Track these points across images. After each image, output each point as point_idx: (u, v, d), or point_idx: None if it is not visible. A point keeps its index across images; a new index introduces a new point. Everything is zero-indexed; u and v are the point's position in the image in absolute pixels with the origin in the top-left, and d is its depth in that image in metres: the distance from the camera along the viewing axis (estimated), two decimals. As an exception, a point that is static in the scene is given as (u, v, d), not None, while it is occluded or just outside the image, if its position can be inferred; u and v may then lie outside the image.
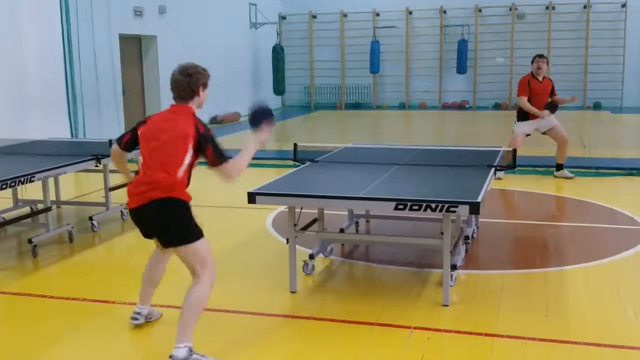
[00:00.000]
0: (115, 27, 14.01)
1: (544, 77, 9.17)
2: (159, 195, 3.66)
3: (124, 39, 14.53)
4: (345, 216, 6.48)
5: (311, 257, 5.41)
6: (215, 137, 3.78)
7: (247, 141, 3.95)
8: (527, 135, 9.25)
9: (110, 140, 6.72)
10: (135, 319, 4.29)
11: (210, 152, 3.73)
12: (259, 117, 4.00)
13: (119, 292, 5.04)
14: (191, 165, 3.77)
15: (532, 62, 9.19)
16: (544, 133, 9.26)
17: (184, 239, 3.71)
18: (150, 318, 4.37)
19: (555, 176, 9.26)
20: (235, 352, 3.96)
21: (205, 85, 3.89)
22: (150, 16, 15.20)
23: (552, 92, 9.21)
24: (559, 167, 9.29)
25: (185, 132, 3.71)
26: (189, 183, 3.79)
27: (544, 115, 8.98)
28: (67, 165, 6.27)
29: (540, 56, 9.23)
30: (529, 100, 9.03)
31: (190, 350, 3.67)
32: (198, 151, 3.75)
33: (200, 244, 3.74)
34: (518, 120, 9.23)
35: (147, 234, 3.88)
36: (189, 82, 3.82)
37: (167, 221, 3.71)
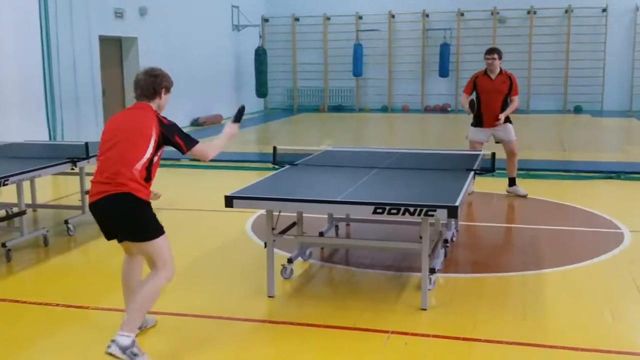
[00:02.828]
0: (95, 28, 13.90)
1: (499, 74, 8.26)
2: (113, 190, 3.66)
3: (104, 40, 14.42)
4: (324, 219, 6.45)
5: (290, 261, 5.36)
6: (178, 126, 3.91)
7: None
8: (483, 142, 8.29)
9: (87, 143, 6.66)
10: None
11: (178, 139, 3.84)
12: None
13: (94, 297, 4.97)
14: (151, 161, 3.76)
15: (484, 59, 8.28)
16: (498, 142, 8.41)
17: (141, 235, 3.75)
18: (145, 326, 4.20)
19: (508, 192, 8.46)
20: (211, 357, 3.90)
21: (167, 90, 3.95)
22: (131, 18, 15.10)
23: (511, 91, 8.22)
24: (512, 181, 8.48)
25: (146, 126, 3.76)
26: (149, 178, 3.78)
27: (469, 112, 8.29)
28: (43, 168, 6.19)
29: (490, 52, 8.24)
30: (479, 98, 8.28)
31: (134, 342, 3.58)
32: (165, 143, 3.83)
33: (159, 241, 3.77)
34: (472, 125, 8.48)
35: (106, 233, 3.88)
36: (153, 82, 3.87)
37: (122, 217, 3.72)
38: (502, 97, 8.26)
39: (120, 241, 3.94)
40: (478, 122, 8.41)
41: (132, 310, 3.70)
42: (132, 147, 3.72)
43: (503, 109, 8.24)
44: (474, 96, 8.48)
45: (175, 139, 3.83)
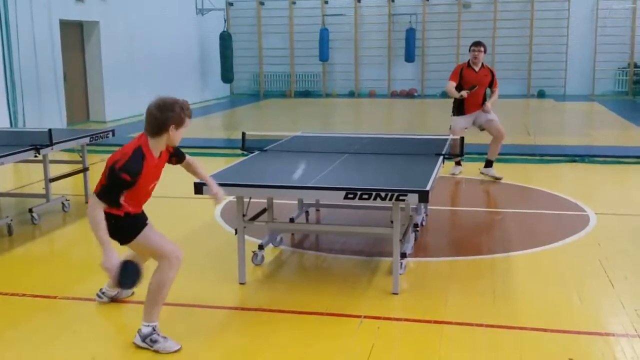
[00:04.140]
0: (55, 12, 13.58)
1: (481, 67, 8.57)
2: None
3: (65, 24, 14.10)
4: (295, 205, 6.43)
5: (260, 247, 5.34)
6: (120, 183, 3.63)
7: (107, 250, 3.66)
8: (465, 129, 8.50)
9: (50, 130, 6.51)
10: (100, 297, 4.52)
11: (102, 182, 3.69)
12: (129, 272, 3.75)
13: (62, 286, 4.87)
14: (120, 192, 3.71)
15: (469, 51, 8.57)
16: (482, 129, 8.71)
17: (122, 240, 3.89)
18: (119, 296, 4.50)
19: (481, 173, 8.64)
20: (182, 345, 3.86)
21: (178, 125, 3.75)
22: (92, 1, 14.78)
23: (492, 84, 8.61)
24: (488, 163, 8.65)
25: (112, 157, 3.72)
26: (120, 206, 3.73)
27: (464, 95, 8.37)
28: (5, 155, 6.02)
29: (477, 44, 8.51)
30: (461, 89, 8.42)
31: (154, 330, 3.82)
32: None
33: (139, 239, 3.85)
34: (453, 114, 8.64)
35: None
36: (157, 119, 3.71)
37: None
38: (484, 89, 8.65)
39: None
40: (460, 111, 8.63)
41: (145, 306, 3.88)
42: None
43: (484, 99, 8.66)
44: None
45: (102, 180, 3.70)
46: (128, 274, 3.72)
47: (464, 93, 8.44)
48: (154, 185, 3.94)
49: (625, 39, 20.45)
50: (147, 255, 4.09)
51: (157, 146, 3.79)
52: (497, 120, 8.63)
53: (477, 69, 8.56)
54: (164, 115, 3.70)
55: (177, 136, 3.81)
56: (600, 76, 20.74)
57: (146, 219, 3.98)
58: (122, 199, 3.73)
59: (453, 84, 8.56)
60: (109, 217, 3.70)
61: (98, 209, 3.64)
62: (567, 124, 15.36)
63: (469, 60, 8.62)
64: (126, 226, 3.83)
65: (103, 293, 4.51)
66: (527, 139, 11.77)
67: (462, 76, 8.57)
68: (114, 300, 4.51)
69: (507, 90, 20.90)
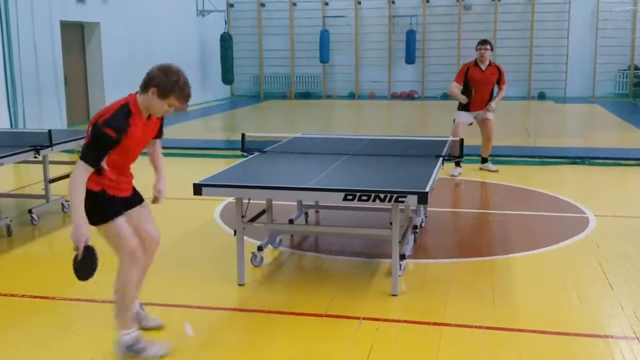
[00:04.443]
0: (56, 13, 13.59)
1: (488, 65, 8.70)
2: None
3: (66, 25, 14.11)
4: (294, 207, 6.42)
5: (260, 248, 5.33)
6: (105, 138, 3.40)
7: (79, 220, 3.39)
8: (469, 124, 8.79)
9: (50, 131, 6.50)
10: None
11: (85, 141, 3.46)
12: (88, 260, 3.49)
13: (60, 287, 4.87)
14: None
15: (476, 49, 8.68)
16: (479, 122, 8.89)
17: (90, 220, 3.46)
18: (143, 323, 3.98)
19: (480, 168, 9.11)
20: (182, 346, 3.86)
21: (161, 94, 3.50)
22: (93, 2, 14.79)
23: (500, 81, 8.78)
24: (484, 160, 9.13)
25: (96, 115, 3.51)
26: (99, 172, 3.50)
27: (463, 100, 8.57)
28: (5, 156, 6.02)
29: (484, 42, 8.61)
30: (468, 88, 8.63)
31: (137, 338, 3.63)
32: None
33: (106, 227, 3.56)
34: (458, 109, 8.80)
35: None
36: (149, 73, 3.57)
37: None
38: (491, 87, 8.77)
39: None
40: (466, 107, 8.75)
41: (116, 309, 3.65)
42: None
43: (490, 98, 8.81)
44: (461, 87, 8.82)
45: (85, 139, 3.47)
46: (89, 260, 3.44)
47: (463, 99, 8.61)
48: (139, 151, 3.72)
49: (626, 41, 20.45)
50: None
51: (144, 105, 3.56)
52: (492, 121, 8.80)
53: (483, 67, 8.67)
54: (155, 74, 3.52)
55: (155, 104, 3.54)
56: (601, 78, 20.73)
57: (128, 207, 3.72)
58: (105, 162, 3.49)
59: (456, 85, 8.72)
60: (94, 194, 3.48)
61: (83, 172, 3.38)
62: (568, 126, 15.36)
63: (475, 59, 8.70)
64: (101, 205, 3.53)
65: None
66: (528, 141, 11.77)
67: (468, 75, 8.66)
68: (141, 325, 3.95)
69: (507, 91, 20.49)
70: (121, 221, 3.62)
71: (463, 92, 8.66)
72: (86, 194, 3.42)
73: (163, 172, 4.05)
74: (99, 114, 3.48)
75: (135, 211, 3.81)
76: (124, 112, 3.48)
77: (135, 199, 3.85)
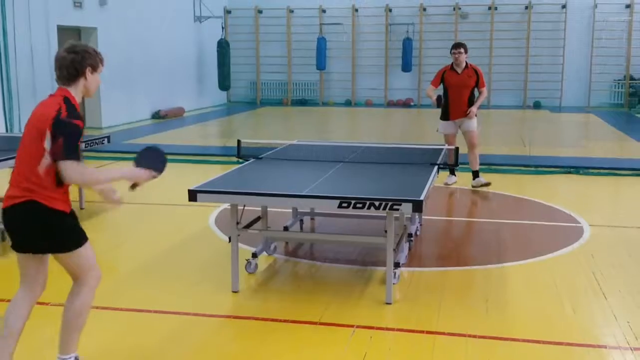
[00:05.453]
0: (53, 18, 13.59)
1: (465, 68, 8.47)
2: (17, 197, 3.22)
3: (63, 30, 14.11)
4: (289, 214, 6.42)
5: (254, 255, 5.33)
6: (78, 131, 3.19)
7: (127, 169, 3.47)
8: (455, 133, 8.57)
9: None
10: None
11: (60, 142, 3.11)
12: (149, 159, 3.56)
13: (55, 293, 4.83)
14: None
15: (450, 53, 8.51)
16: (463, 133, 8.64)
17: (58, 248, 3.27)
18: None
19: (472, 186, 8.58)
20: (175, 353, 3.85)
21: (94, 68, 3.32)
22: (90, 7, 14.80)
23: (479, 84, 8.46)
24: (475, 174, 8.64)
25: (44, 118, 3.16)
26: (60, 183, 3.21)
27: (431, 99, 8.50)
28: (1, 160, 6.02)
29: (457, 46, 8.47)
30: (446, 92, 8.50)
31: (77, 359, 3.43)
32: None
33: (81, 251, 3.32)
34: (441, 118, 8.69)
35: (14, 245, 3.34)
36: (72, 60, 3.26)
37: (29, 230, 3.22)
38: (468, 91, 8.50)
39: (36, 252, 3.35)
40: (445, 116, 8.63)
41: (65, 334, 3.38)
42: (31, 144, 3.20)
43: (470, 102, 8.52)
44: (441, 90, 8.68)
45: (58, 141, 3.11)
46: (154, 157, 3.54)
47: (433, 101, 8.52)
48: None
49: (621, 51, 20.55)
50: (70, 270, 3.40)
51: (78, 95, 3.33)
52: (476, 132, 8.57)
53: (459, 70, 8.51)
54: (79, 55, 3.27)
55: (94, 81, 3.35)
56: (596, 88, 20.81)
57: None
58: (53, 175, 3.20)
59: (431, 87, 8.71)
60: (50, 213, 3.18)
61: (81, 165, 3.16)
62: (563, 135, 15.40)
63: (452, 63, 8.59)
64: (75, 227, 3.30)
65: None
66: (522, 150, 11.80)
67: (444, 79, 8.57)
68: None
69: (503, 100, 21.06)
70: (89, 245, 3.41)
71: (438, 98, 8.52)
72: (57, 217, 3.22)
73: None
74: (49, 114, 3.16)
75: None
76: (73, 105, 3.27)
77: None
